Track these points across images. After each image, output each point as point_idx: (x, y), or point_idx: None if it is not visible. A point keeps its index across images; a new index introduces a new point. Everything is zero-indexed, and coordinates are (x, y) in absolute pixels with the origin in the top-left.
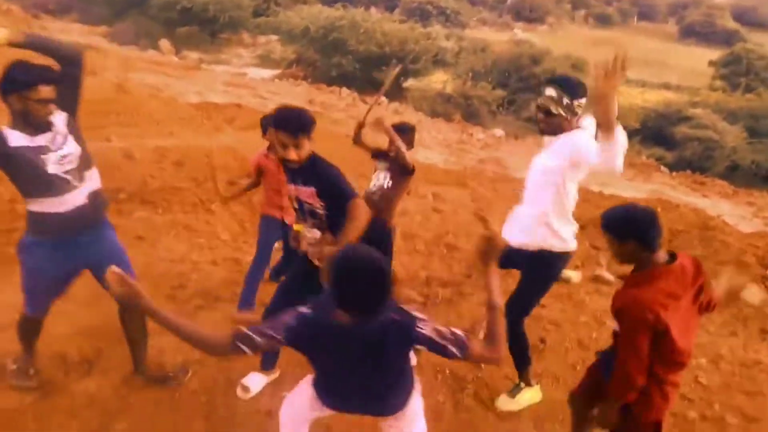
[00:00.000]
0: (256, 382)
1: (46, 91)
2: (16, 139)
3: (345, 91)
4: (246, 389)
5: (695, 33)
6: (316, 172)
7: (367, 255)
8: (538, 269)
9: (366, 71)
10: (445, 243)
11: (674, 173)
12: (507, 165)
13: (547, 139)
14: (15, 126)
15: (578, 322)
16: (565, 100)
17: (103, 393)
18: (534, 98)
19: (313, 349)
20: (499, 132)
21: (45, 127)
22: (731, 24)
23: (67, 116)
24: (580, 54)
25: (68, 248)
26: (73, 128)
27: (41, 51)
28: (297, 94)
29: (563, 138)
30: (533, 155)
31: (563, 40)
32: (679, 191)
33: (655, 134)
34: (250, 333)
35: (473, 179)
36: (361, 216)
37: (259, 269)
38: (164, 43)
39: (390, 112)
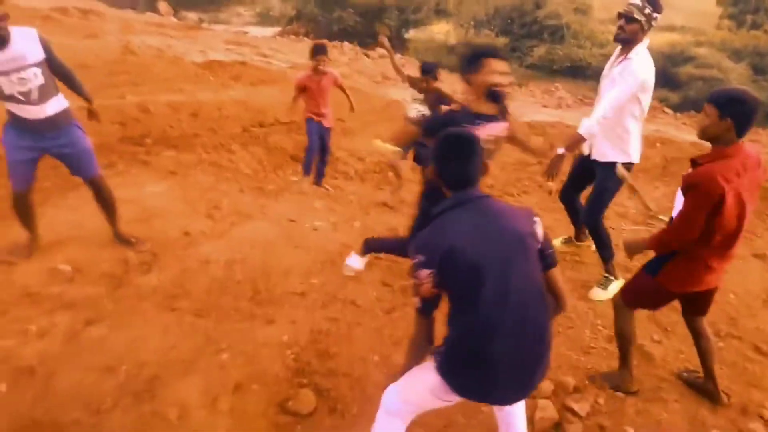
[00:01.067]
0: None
1: None
2: None
3: (347, 45)
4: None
5: None
6: None
7: (463, 132)
8: (608, 178)
9: (367, 24)
10: None
11: (678, 114)
12: (511, 111)
13: (616, 55)
14: None
15: None
16: (647, 10)
17: (163, 284)
18: (536, 44)
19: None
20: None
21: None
22: None
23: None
24: None
25: (35, 139)
26: (46, 71)
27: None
28: (299, 51)
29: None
30: (536, 102)
31: None
32: (682, 130)
33: (660, 76)
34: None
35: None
36: None
37: (311, 152)
38: (162, 5)
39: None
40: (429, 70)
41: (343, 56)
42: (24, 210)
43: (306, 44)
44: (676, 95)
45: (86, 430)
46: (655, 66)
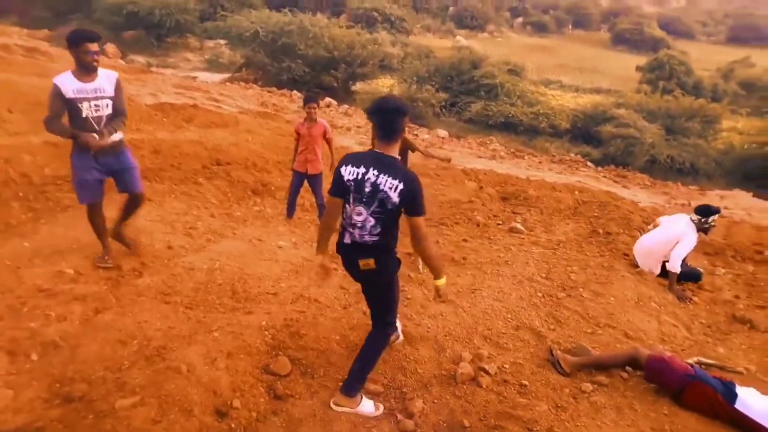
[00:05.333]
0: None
1: (92, 46)
2: (71, 83)
3: (296, 93)
4: None
5: (625, 40)
6: None
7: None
8: None
9: (315, 75)
10: None
11: (600, 168)
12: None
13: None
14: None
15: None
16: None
17: (156, 284)
18: (473, 101)
19: None
20: (442, 132)
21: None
22: (658, 32)
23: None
24: (517, 59)
25: (98, 162)
26: (112, 106)
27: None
28: (249, 97)
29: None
30: (472, 152)
31: (502, 47)
32: (602, 183)
33: (583, 133)
34: None
35: (420, 171)
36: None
37: (291, 195)
38: (110, 47)
39: (340, 113)
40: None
41: (292, 104)
42: (98, 220)
43: (256, 91)
44: (598, 151)
45: (111, 382)
46: (579, 125)
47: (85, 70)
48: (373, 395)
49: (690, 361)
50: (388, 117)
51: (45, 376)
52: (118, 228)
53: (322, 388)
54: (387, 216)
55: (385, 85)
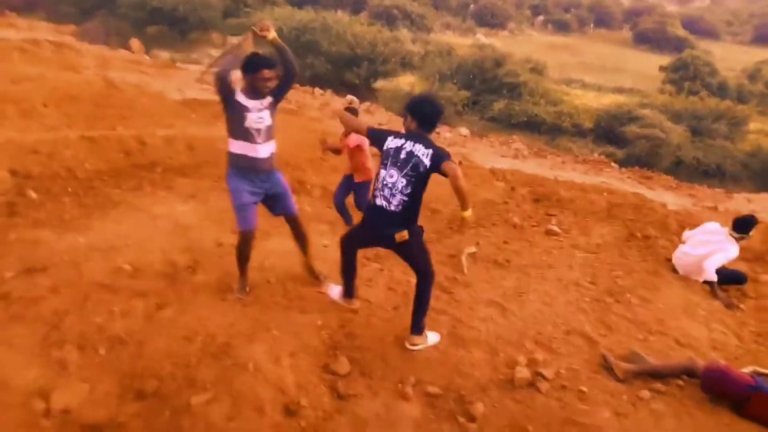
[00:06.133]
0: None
1: (267, 73)
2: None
3: (318, 90)
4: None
5: (648, 39)
6: None
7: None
8: None
9: (338, 71)
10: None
11: (623, 169)
12: (473, 160)
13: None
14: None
15: None
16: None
17: (211, 281)
18: (496, 99)
19: None
20: (464, 130)
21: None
22: (681, 31)
23: (272, 99)
24: (538, 58)
25: (254, 182)
26: (273, 108)
27: (281, 56)
28: None
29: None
30: (495, 151)
31: (523, 45)
32: (627, 184)
33: (607, 133)
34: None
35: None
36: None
37: (335, 198)
38: (135, 42)
39: (362, 111)
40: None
41: (315, 101)
42: (247, 249)
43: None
44: (622, 152)
45: (180, 379)
46: (602, 124)
47: (256, 95)
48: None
49: (746, 370)
50: (429, 116)
51: (115, 372)
52: (307, 265)
53: (382, 388)
54: (417, 179)
55: (406, 82)
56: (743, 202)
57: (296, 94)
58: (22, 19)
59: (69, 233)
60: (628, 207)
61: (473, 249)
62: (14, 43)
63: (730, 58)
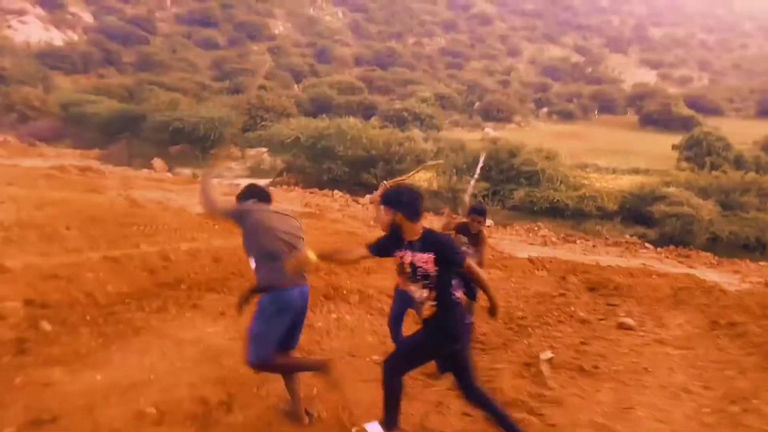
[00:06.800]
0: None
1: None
2: None
3: (337, 193)
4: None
5: (654, 121)
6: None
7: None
8: None
9: (355, 174)
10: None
11: (659, 249)
12: (501, 249)
13: None
14: None
15: None
16: None
17: (250, 420)
18: (515, 188)
19: None
20: (488, 221)
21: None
22: (686, 111)
23: None
24: (548, 146)
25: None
26: None
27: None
28: (292, 199)
29: None
30: (521, 240)
31: (532, 135)
32: (666, 264)
33: (634, 214)
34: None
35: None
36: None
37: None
38: (157, 162)
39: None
40: (482, 211)
41: (334, 203)
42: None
43: (298, 193)
44: (653, 231)
45: None
46: (627, 205)
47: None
48: None
49: None
50: (411, 204)
51: None
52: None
53: None
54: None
55: (423, 178)
56: None
57: (316, 197)
58: (51, 148)
59: (85, 370)
60: (696, 290)
61: (549, 354)
62: (42, 170)
63: (739, 133)
